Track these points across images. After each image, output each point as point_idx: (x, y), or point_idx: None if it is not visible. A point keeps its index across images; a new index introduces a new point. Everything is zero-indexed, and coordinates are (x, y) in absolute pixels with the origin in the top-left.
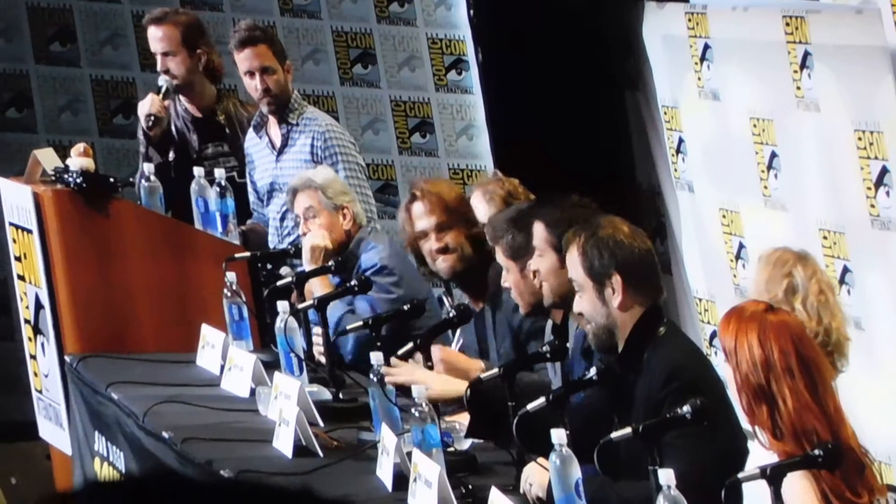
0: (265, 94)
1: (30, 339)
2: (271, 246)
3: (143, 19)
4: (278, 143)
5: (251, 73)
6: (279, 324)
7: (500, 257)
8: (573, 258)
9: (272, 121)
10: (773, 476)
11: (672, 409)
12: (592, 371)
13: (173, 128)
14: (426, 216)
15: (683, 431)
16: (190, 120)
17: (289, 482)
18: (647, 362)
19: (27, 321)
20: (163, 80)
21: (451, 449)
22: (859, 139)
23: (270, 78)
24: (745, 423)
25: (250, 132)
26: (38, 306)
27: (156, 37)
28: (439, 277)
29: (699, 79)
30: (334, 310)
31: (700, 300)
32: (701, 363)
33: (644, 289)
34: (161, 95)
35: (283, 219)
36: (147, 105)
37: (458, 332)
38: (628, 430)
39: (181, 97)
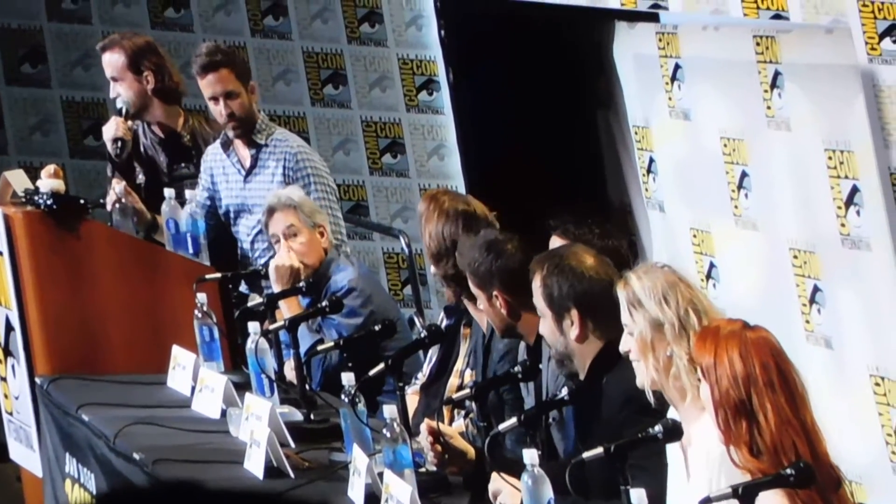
0: (230, 118)
1: (0, 360)
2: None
3: None
4: (247, 165)
5: (215, 99)
6: (250, 345)
7: (469, 284)
8: (536, 286)
9: (239, 141)
10: (745, 495)
11: (643, 430)
12: (564, 391)
13: (142, 148)
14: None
15: (647, 452)
16: (157, 141)
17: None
18: (606, 385)
19: None
20: (120, 102)
21: (423, 469)
22: (830, 158)
23: (234, 102)
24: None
25: (217, 147)
26: (9, 328)
27: (105, 63)
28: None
29: (670, 98)
30: (303, 340)
31: None
32: None
33: (603, 322)
34: (123, 116)
35: (254, 241)
36: (112, 129)
37: (430, 353)
38: (600, 449)
39: (148, 117)
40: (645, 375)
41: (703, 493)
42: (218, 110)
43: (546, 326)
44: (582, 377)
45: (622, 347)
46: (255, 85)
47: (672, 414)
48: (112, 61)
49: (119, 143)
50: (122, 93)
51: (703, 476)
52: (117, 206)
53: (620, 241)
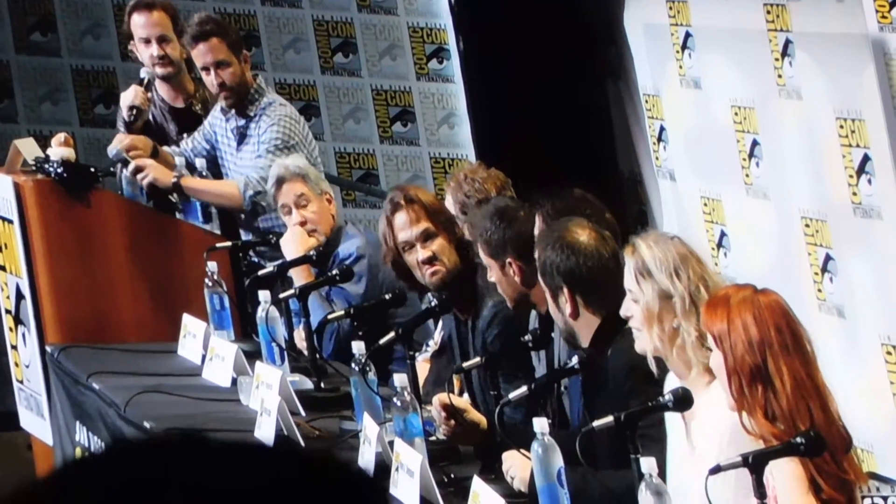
0: (221, 88)
1: (10, 329)
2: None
3: (125, 8)
4: (238, 135)
5: (206, 69)
6: (260, 313)
7: (481, 254)
8: (537, 263)
9: (234, 110)
10: (755, 464)
11: (653, 399)
12: (574, 360)
13: (151, 118)
14: (410, 226)
15: (653, 421)
16: (167, 110)
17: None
18: (611, 357)
19: (8, 311)
20: (144, 72)
21: (433, 438)
22: (841, 127)
23: (225, 71)
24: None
25: (217, 112)
26: (19, 296)
27: (150, 21)
28: (423, 289)
29: (680, 67)
30: (315, 312)
31: None
32: None
33: (597, 300)
34: (144, 87)
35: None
36: (130, 96)
37: (441, 323)
38: (610, 418)
39: (158, 87)
40: (647, 343)
41: (711, 465)
42: (210, 80)
43: (549, 302)
44: (585, 347)
45: (623, 312)
46: (248, 55)
47: (671, 380)
48: (159, 21)
49: (135, 111)
50: (168, 52)
51: (711, 449)
52: (124, 172)
53: (600, 210)
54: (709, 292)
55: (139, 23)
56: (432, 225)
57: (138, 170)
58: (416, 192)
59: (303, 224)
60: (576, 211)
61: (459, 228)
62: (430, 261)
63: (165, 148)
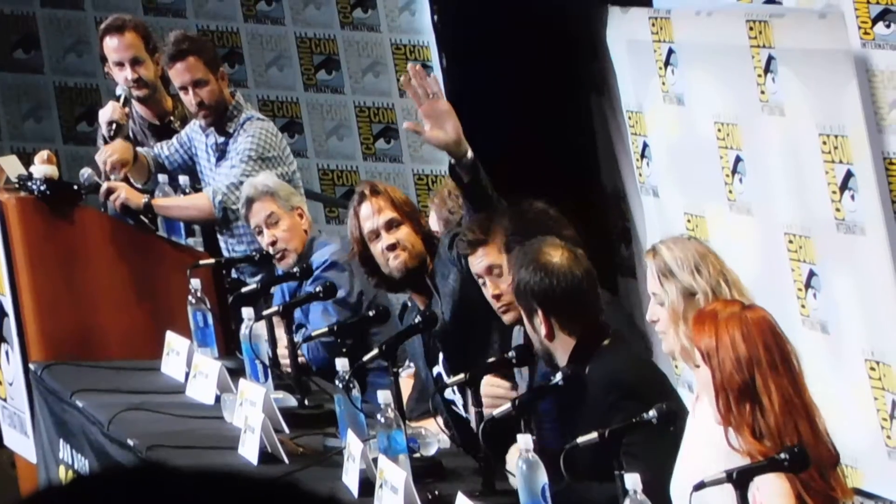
0: (200, 107)
1: None
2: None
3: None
4: (216, 152)
5: (184, 89)
6: (244, 330)
7: (495, 255)
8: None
9: (212, 128)
10: (740, 480)
11: (637, 415)
12: (559, 377)
13: (131, 134)
14: (375, 215)
15: (638, 438)
16: (147, 126)
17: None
18: (589, 374)
19: None
20: (120, 89)
21: (417, 455)
22: (824, 143)
23: (203, 90)
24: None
25: (196, 126)
26: (2, 314)
27: (122, 45)
28: (389, 285)
29: (664, 83)
30: (317, 323)
31: None
32: (644, 371)
33: (572, 320)
34: (121, 103)
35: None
36: (108, 112)
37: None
38: (594, 434)
39: (137, 104)
40: (674, 343)
41: (702, 448)
42: (188, 99)
43: (525, 323)
44: (562, 367)
45: (649, 317)
46: (225, 72)
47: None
48: (131, 43)
49: (114, 126)
50: (143, 75)
51: (707, 437)
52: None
53: (562, 223)
54: (729, 287)
55: (111, 47)
56: (398, 214)
57: (110, 191)
58: (383, 185)
59: (273, 244)
60: (536, 223)
61: (425, 220)
62: (393, 247)
63: (140, 149)
